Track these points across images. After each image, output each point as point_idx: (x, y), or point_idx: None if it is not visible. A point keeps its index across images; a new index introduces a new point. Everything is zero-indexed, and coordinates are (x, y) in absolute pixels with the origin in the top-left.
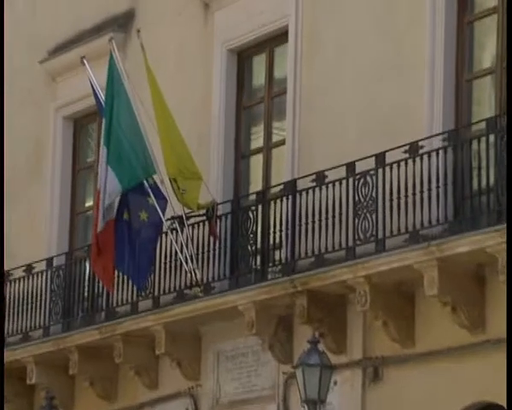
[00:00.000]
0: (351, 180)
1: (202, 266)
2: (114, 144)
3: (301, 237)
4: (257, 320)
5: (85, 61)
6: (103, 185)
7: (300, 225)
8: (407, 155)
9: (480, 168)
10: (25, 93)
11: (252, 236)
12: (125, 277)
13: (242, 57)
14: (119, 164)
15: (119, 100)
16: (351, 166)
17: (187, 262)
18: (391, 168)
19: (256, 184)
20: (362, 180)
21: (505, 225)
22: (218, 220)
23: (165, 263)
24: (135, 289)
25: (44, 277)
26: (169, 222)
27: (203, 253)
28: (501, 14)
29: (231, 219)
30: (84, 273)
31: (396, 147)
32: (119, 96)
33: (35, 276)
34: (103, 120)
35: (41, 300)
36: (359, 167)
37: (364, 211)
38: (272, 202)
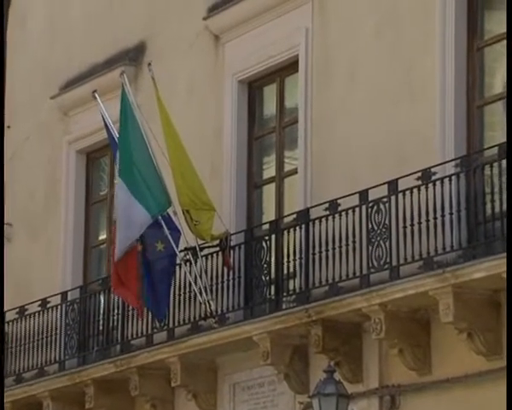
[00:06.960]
0: (364, 208)
1: (216, 297)
2: (131, 177)
3: (315, 266)
4: (272, 350)
5: (97, 95)
6: (125, 217)
7: (314, 254)
8: (420, 182)
9: (493, 194)
10: (38, 128)
11: (265, 266)
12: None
13: (253, 88)
14: (141, 195)
15: (132, 133)
16: (363, 194)
17: (201, 293)
18: (404, 195)
19: (269, 214)
20: (375, 208)
21: None
22: (232, 251)
23: (180, 295)
24: (149, 321)
25: (59, 311)
26: (182, 253)
27: (217, 284)
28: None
29: (245, 250)
30: (99, 307)
31: (408, 174)
32: (131, 129)
33: (50, 310)
34: (117, 153)
35: (56, 334)
36: (372, 195)
37: (378, 238)
38: (285, 232)
